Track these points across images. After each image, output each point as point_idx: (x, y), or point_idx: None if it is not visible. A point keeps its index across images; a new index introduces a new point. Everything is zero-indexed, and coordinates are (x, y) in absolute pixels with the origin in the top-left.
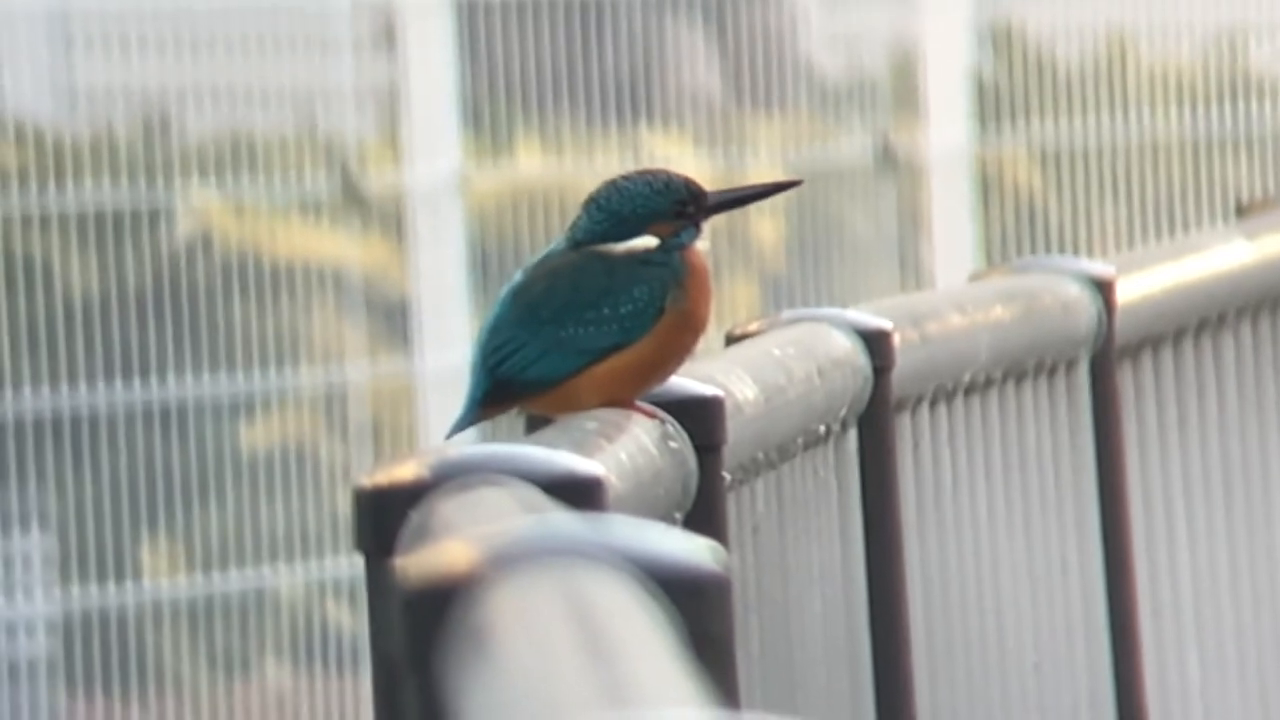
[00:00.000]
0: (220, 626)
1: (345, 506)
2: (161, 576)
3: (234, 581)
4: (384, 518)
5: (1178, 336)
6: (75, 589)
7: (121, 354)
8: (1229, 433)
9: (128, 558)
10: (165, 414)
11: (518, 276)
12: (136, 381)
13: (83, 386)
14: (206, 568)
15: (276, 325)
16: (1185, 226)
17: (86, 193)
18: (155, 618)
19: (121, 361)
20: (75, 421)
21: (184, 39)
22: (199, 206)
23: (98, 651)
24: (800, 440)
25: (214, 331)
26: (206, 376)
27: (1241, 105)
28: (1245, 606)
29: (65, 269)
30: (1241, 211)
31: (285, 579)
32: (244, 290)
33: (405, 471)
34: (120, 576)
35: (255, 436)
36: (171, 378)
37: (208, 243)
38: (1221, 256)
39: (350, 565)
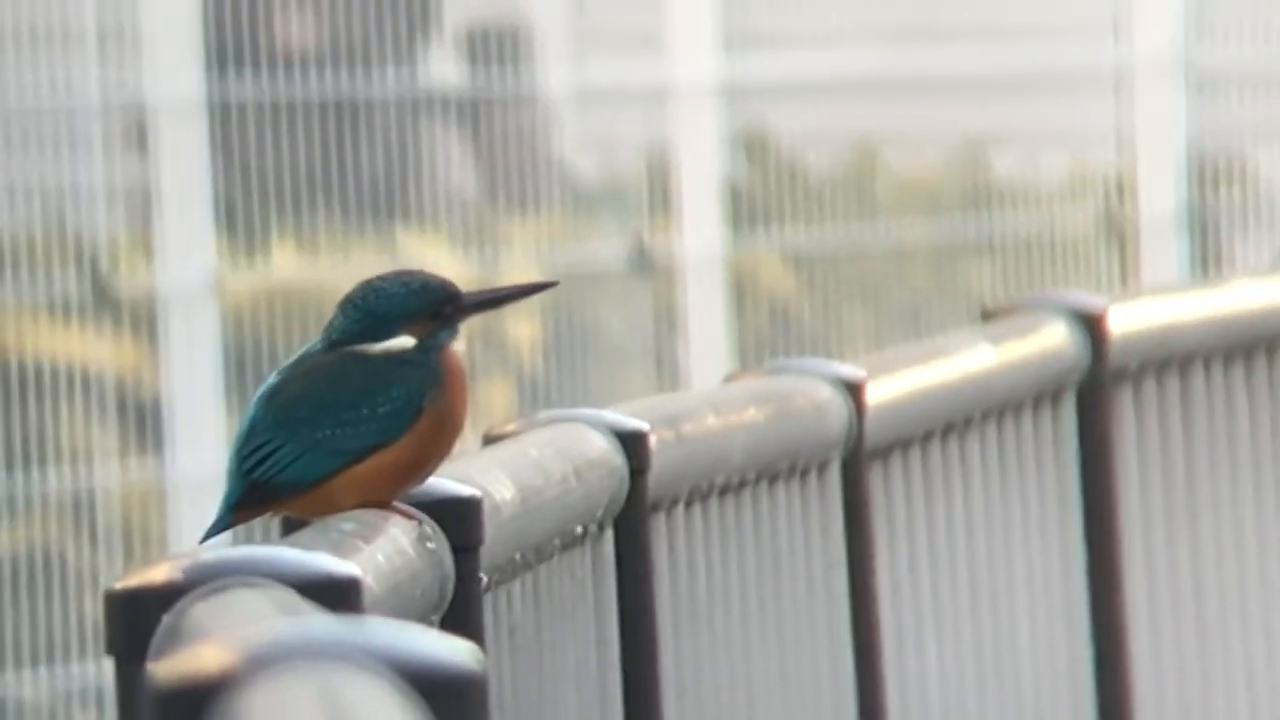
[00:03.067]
0: None
1: (93, 612)
2: None
3: None
4: (136, 621)
5: (926, 438)
6: None
7: None
8: (975, 532)
9: None
10: None
11: (273, 378)
12: None
13: None
14: None
15: (24, 426)
16: (931, 329)
17: None
18: None
19: None
20: None
21: None
22: None
23: None
24: (557, 541)
25: None
26: None
27: (985, 212)
28: (989, 698)
29: None
30: (986, 316)
31: (30, 687)
32: None
33: (158, 574)
34: None
35: (2, 539)
36: None
37: None
38: (967, 360)
39: (98, 672)
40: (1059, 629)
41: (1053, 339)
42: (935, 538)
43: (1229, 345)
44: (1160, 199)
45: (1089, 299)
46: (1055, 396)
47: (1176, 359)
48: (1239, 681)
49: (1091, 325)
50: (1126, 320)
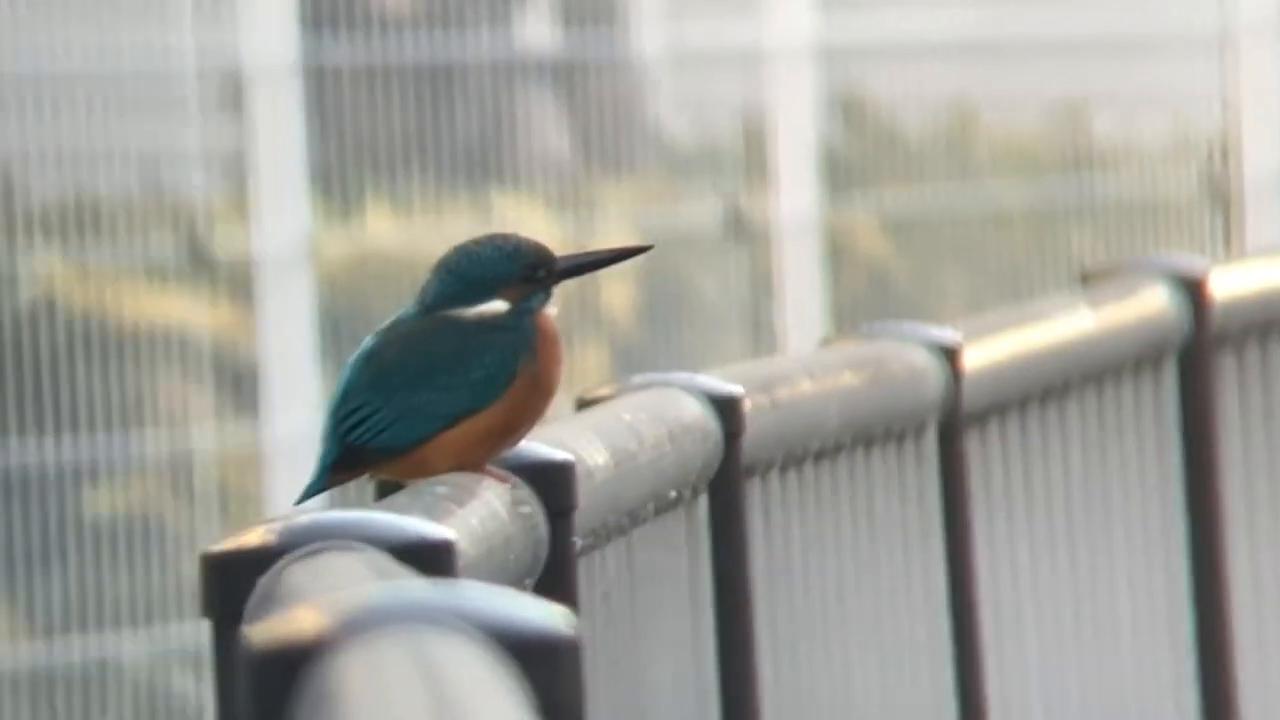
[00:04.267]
0: (63, 695)
1: (191, 573)
2: (3, 645)
3: (77, 650)
4: (232, 584)
5: (1024, 403)
6: None
7: None
8: (1074, 499)
9: None
10: (8, 479)
11: (368, 342)
12: None
13: None
14: (49, 636)
15: (122, 390)
16: (1029, 293)
17: None
18: None
19: None
20: None
21: (28, 102)
22: (43, 270)
23: None
24: (651, 505)
25: (58, 396)
26: (50, 441)
27: (1084, 175)
28: (1088, 664)
29: None
30: (1085, 279)
31: (130, 647)
32: (89, 355)
33: (253, 537)
34: None
35: (100, 502)
36: (14, 442)
37: (51, 307)
38: (1066, 325)
39: (195, 633)
40: (1159, 597)
41: (1153, 303)
42: (1033, 504)
43: None
44: (1264, 161)
45: (1190, 262)
46: (1156, 361)
47: (1279, 323)
48: None
49: (1193, 289)
50: (1229, 284)
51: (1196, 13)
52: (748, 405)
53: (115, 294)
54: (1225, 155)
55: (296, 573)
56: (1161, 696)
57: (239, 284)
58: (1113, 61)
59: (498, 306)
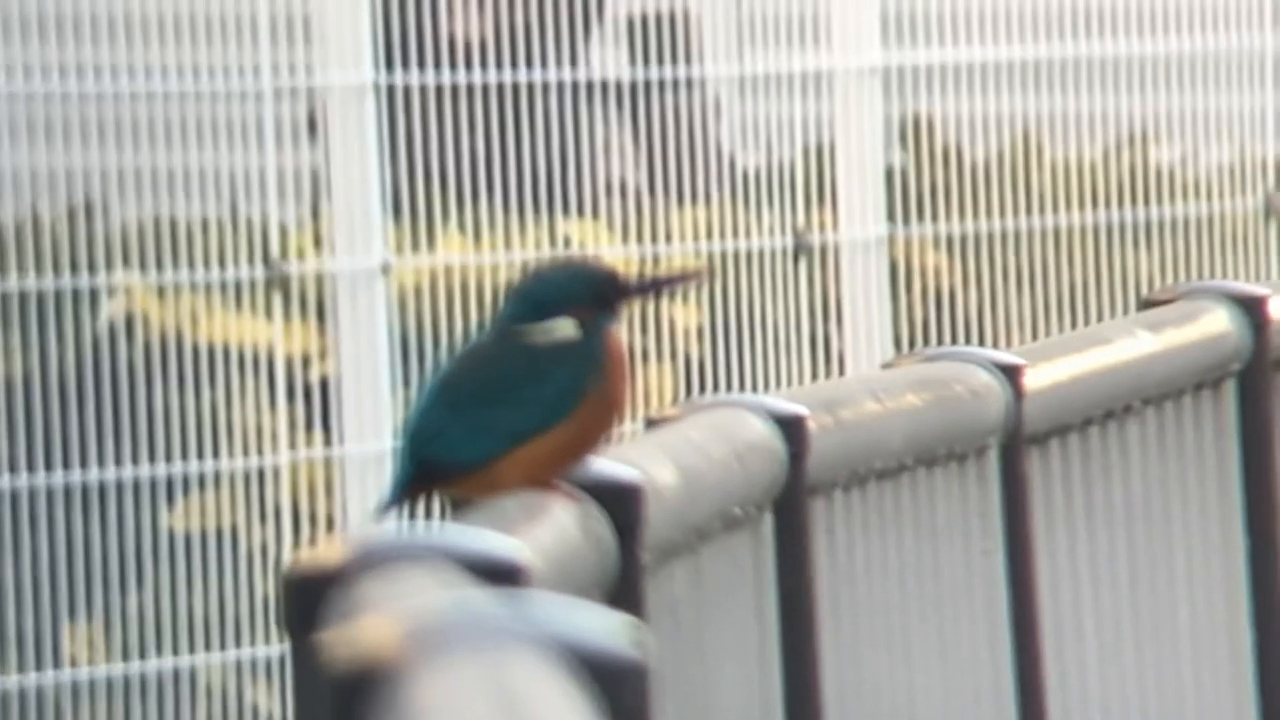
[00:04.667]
0: (142, 708)
1: (268, 588)
2: (84, 660)
3: (157, 664)
4: (310, 599)
5: (1084, 425)
6: None
7: (46, 437)
8: (1134, 519)
9: (49, 641)
10: (88, 497)
11: (444, 363)
12: (60, 464)
13: (6, 469)
14: (129, 651)
15: (200, 409)
16: (1090, 317)
17: (11, 277)
18: (76, 701)
19: (45, 444)
20: None
21: (110, 125)
22: (124, 291)
23: None
24: (718, 523)
25: (137, 415)
26: (130, 459)
27: (1145, 199)
28: (1149, 686)
29: None
30: (1146, 303)
31: (208, 661)
32: (168, 374)
33: (330, 554)
34: (42, 660)
35: (178, 520)
36: (94, 461)
37: (132, 327)
38: (1127, 348)
39: (273, 647)
40: (1219, 614)
41: (1213, 326)
42: (1094, 524)
43: None
44: None
45: (1250, 286)
46: (1216, 384)
47: None
48: None
49: (1253, 312)
50: None
51: (1256, 37)
52: (812, 425)
53: (194, 314)
54: None
55: (372, 588)
56: (1221, 712)
57: (314, 304)
58: (1174, 87)
59: (567, 328)
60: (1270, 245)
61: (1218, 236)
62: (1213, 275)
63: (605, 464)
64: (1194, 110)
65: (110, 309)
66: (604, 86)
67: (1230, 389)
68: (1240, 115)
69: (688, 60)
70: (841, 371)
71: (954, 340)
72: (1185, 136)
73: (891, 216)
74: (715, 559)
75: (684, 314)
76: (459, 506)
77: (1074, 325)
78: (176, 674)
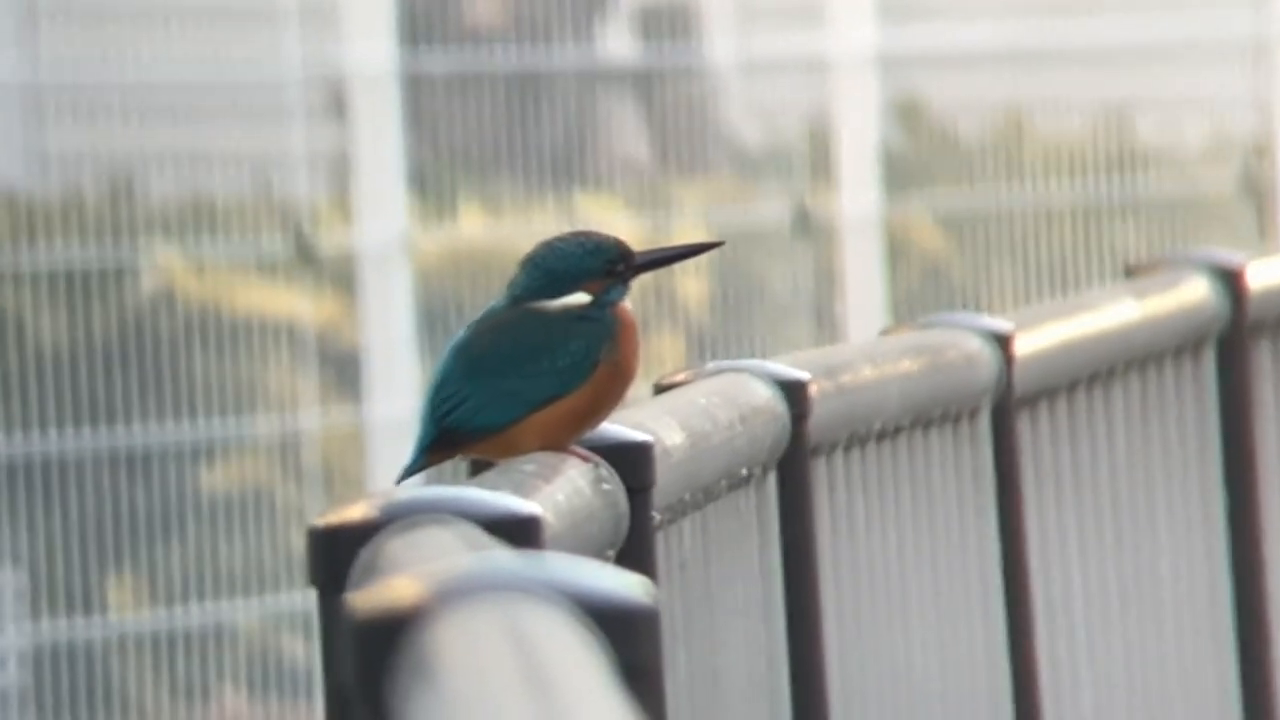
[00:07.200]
0: (181, 657)
1: (299, 545)
2: (127, 611)
3: (195, 615)
4: (336, 555)
5: (1071, 388)
6: (45, 623)
7: (89, 402)
8: (1119, 477)
9: (95, 593)
10: (130, 458)
11: (462, 332)
12: (103, 428)
13: (53, 432)
14: (169, 602)
15: (235, 376)
16: (1077, 286)
17: (57, 251)
18: (121, 649)
19: (89, 409)
20: (45, 465)
21: (149, 108)
22: (162, 265)
23: (66, 682)
24: (724, 482)
25: (176, 381)
26: (169, 423)
27: (1127, 174)
28: (1133, 638)
29: (36, 323)
30: (1129, 272)
31: (242, 613)
32: (204, 343)
33: (356, 512)
34: (88, 611)
35: (215, 480)
36: (136, 424)
37: (170, 299)
38: (1111, 314)
39: (304, 600)
40: (1199, 567)
41: (1193, 293)
42: (1080, 481)
43: None
44: None
45: (1229, 255)
46: (1196, 348)
47: None
48: None
49: (1231, 280)
50: (1265, 276)
51: (1233, 20)
52: (813, 390)
53: (228, 287)
54: (1261, 155)
55: (396, 544)
56: (1202, 663)
57: (342, 278)
58: (1154, 67)
59: (581, 298)
60: (1246, 217)
61: (1197, 209)
62: (1192, 244)
63: (617, 427)
64: (1175, 90)
65: (149, 282)
66: (615, 70)
67: (1209, 353)
68: (1219, 94)
69: (694, 45)
70: (841, 338)
71: (948, 309)
72: (1167, 115)
73: (888, 192)
74: (722, 517)
75: (692, 285)
76: (478, 468)
77: (1061, 294)
78: (214, 624)
